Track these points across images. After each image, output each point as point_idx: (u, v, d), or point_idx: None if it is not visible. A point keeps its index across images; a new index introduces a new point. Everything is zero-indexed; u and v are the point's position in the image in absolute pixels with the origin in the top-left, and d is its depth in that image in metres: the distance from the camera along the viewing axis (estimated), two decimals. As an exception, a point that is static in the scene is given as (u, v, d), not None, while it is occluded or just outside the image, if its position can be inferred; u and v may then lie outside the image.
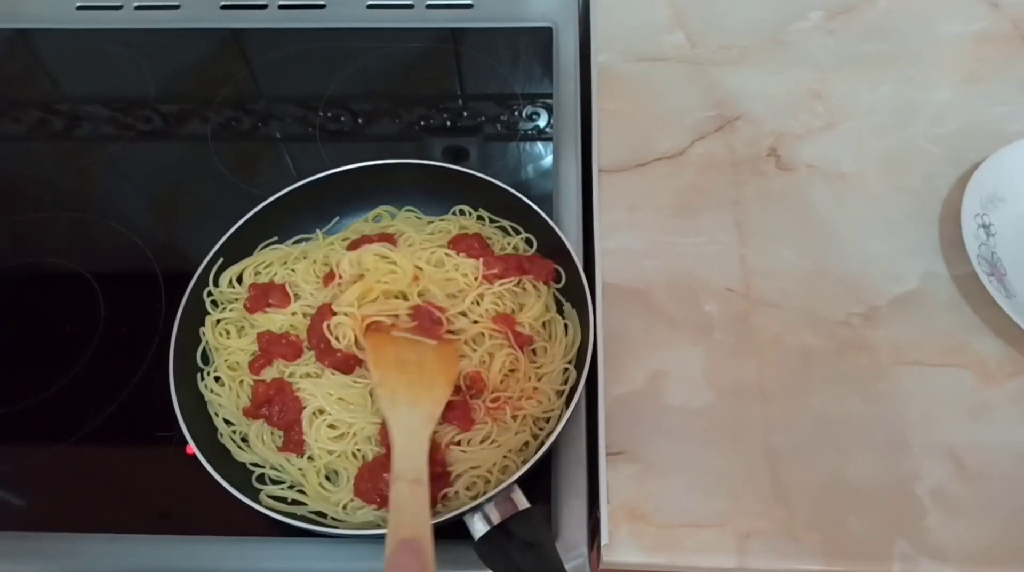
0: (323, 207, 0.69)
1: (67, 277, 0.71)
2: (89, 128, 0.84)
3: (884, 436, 0.60)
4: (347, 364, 0.59)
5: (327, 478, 0.57)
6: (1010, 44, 0.83)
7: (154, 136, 0.83)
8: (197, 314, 0.63)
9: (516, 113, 0.82)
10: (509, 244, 0.67)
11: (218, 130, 0.82)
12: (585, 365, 0.58)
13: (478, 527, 0.51)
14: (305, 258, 0.66)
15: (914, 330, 0.65)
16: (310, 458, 0.57)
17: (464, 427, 0.57)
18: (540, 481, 0.58)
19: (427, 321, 0.61)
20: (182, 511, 0.59)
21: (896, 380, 0.62)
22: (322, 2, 0.91)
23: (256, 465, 0.58)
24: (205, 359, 0.62)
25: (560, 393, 0.60)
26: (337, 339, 0.59)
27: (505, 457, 0.56)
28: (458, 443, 0.56)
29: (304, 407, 0.58)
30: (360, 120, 0.83)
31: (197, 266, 0.63)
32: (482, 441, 0.57)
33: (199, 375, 0.61)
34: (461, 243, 0.65)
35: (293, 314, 0.63)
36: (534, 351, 0.61)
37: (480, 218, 0.69)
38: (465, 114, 0.83)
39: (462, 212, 0.69)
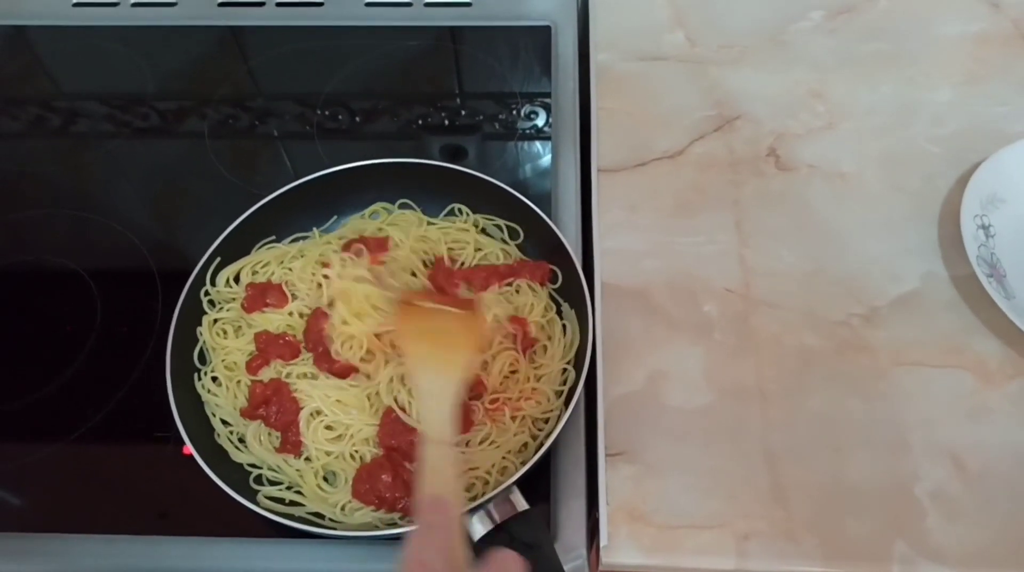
0: (321, 206, 0.69)
1: (63, 275, 0.71)
2: (86, 125, 0.83)
3: (884, 437, 0.60)
4: (345, 369, 0.59)
5: (325, 479, 0.57)
6: (1010, 44, 0.83)
7: (151, 134, 0.82)
8: (194, 313, 0.63)
9: (515, 112, 0.81)
10: (502, 251, 0.67)
11: (216, 128, 0.82)
12: (584, 365, 0.58)
13: (477, 528, 0.51)
14: (303, 257, 0.65)
15: (914, 331, 0.65)
16: (307, 459, 0.57)
17: (463, 430, 0.56)
18: (539, 482, 0.58)
19: (442, 278, 0.62)
20: (179, 511, 0.58)
21: (896, 381, 0.62)
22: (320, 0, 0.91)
23: (253, 466, 0.58)
24: (202, 359, 0.62)
25: (559, 394, 0.59)
26: (338, 351, 0.59)
27: (504, 458, 0.56)
28: (456, 444, 0.56)
29: (301, 408, 0.58)
30: (358, 119, 0.82)
31: (194, 265, 0.63)
32: (481, 442, 0.56)
33: (196, 375, 0.61)
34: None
35: (290, 314, 0.63)
36: (534, 352, 0.61)
37: (476, 224, 0.69)
38: (463, 113, 0.82)
39: (460, 211, 0.69)
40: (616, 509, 0.57)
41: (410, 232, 0.67)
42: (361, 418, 0.57)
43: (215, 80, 0.85)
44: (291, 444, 0.57)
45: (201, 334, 0.62)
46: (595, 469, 0.59)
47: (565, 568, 0.50)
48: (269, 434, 0.58)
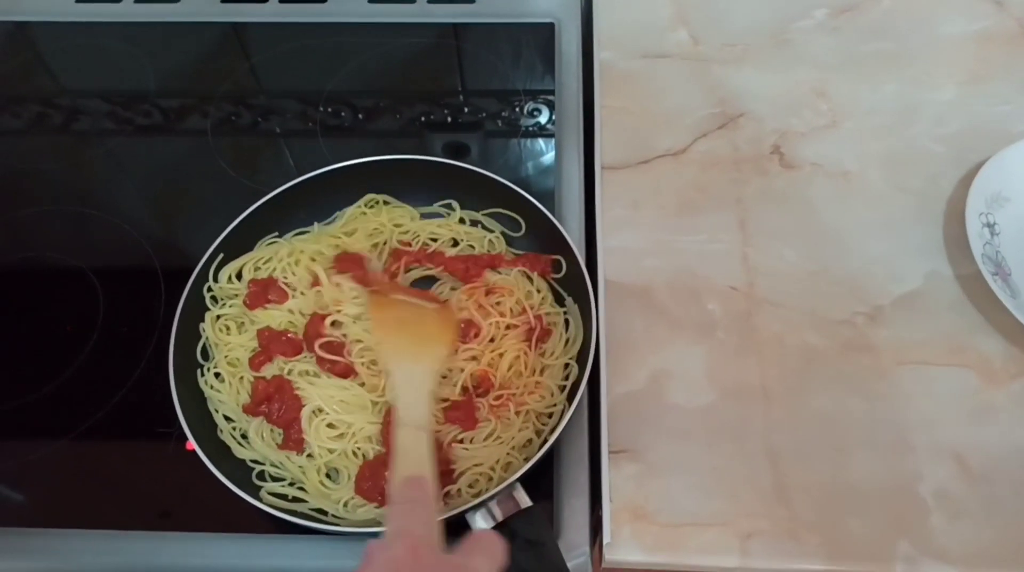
0: (323, 203, 0.69)
1: (66, 272, 0.71)
2: (88, 122, 0.83)
3: (887, 436, 0.60)
4: (346, 369, 0.59)
5: (327, 476, 0.57)
6: (1014, 43, 0.83)
7: (154, 131, 0.82)
8: (197, 310, 0.63)
9: (518, 109, 0.81)
10: (486, 239, 0.67)
11: (218, 125, 0.82)
12: (588, 361, 0.58)
13: (480, 525, 0.51)
14: (302, 253, 0.65)
15: (917, 330, 0.65)
16: (310, 456, 0.57)
17: (468, 427, 0.56)
18: (542, 480, 0.58)
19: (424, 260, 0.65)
20: (182, 508, 0.58)
21: (899, 380, 0.62)
22: (323, -4, 0.91)
23: (256, 462, 0.58)
24: (205, 355, 0.62)
25: (562, 388, 0.59)
26: (347, 353, 0.60)
27: (508, 454, 0.56)
28: (461, 441, 0.56)
29: (304, 405, 0.58)
30: (361, 116, 0.82)
31: (197, 261, 0.63)
32: (485, 438, 0.56)
33: (199, 371, 0.61)
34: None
35: (291, 311, 0.63)
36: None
37: (462, 220, 0.69)
38: (466, 110, 0.82)
39: (450, 206, 0.69)
40: (619, 507, 0.57)
41: (376, 220, 0.68)
42: (363, 417, 0.57)
43: (218, 77, 0.85)
44: (294, 441, 0.57)
45: (204, 330, 0.62)
46: (598, 467, 0.59)
47: (568, 566, 0.50)
48: (272, 430, 0.58)
